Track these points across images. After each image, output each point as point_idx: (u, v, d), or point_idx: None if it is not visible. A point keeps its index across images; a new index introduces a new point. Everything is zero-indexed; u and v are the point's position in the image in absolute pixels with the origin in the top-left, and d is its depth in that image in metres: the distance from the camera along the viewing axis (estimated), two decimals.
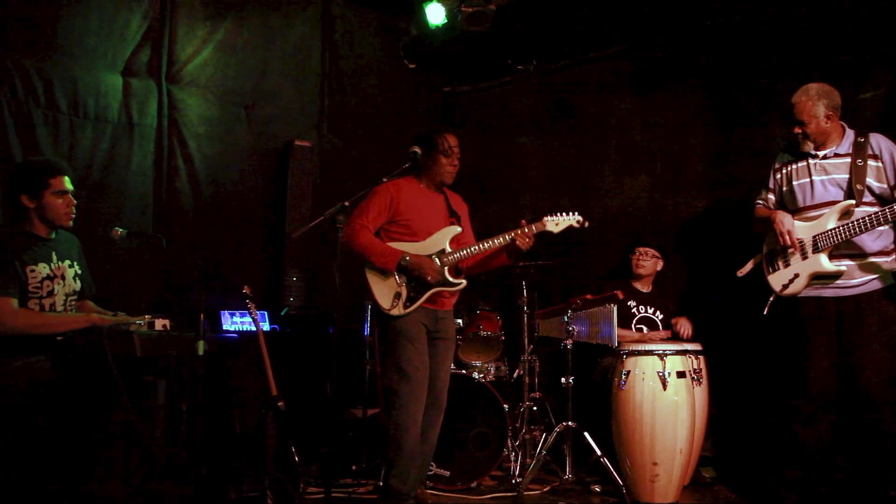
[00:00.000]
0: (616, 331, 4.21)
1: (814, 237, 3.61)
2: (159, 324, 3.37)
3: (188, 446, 3.44)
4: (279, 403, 3.67)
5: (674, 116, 5.36)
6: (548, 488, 4.38)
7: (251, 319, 3.81)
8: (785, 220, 3.70)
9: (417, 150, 3.80)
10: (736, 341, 4.69)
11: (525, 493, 4.18)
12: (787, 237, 3.66)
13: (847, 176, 3.60)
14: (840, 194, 3.62)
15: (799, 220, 3.71)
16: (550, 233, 3.79)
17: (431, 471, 4.27)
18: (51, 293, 3.37)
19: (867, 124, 3.88)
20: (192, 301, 3.53)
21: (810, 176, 3.70)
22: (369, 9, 5.96)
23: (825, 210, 3.62)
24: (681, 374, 4.07)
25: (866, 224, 3.43)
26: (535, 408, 4.76)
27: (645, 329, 4.84)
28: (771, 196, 3.89)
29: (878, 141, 3.61)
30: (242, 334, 4.35)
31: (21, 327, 3.20)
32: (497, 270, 4.14)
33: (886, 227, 3.50)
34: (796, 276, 3.66)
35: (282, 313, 4.93)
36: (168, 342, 3.33)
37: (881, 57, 4.43)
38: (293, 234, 5.01)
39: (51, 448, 3.09)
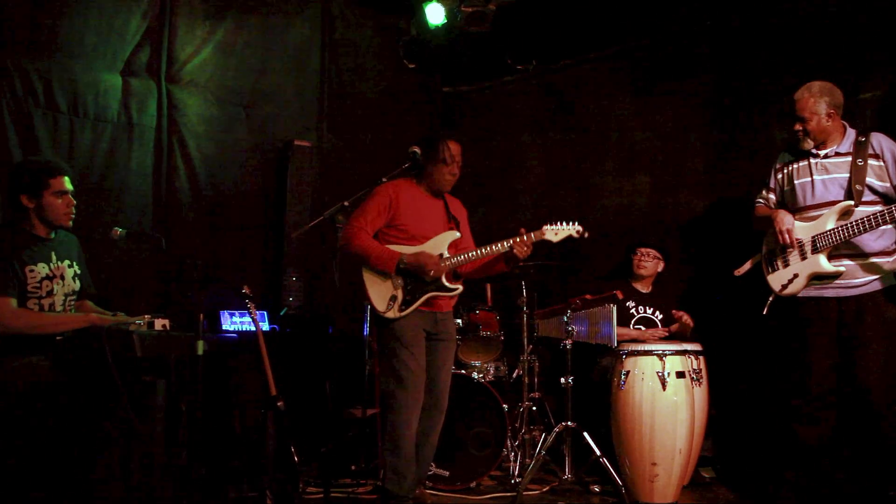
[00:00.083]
0: (615, 331, 4.21)
1: (813, 238, 3.61)
2: (159, 324, 3.37)
3: (188, 446, 3.44)
4: (278, 403, 3.66)
5: (674, 116, 5.36)
6: (547, 488, 4.39)
7: (251, 319, 3.81)
8: (785, 219, 3.69)
9: (417, 150, 3.79)
10: (736, 341, 4.69)
11: (524, 493, 4.18)
12: (787, 236, 3.66)
13: (847, 175, 3.60)
14: (841, 194, 3.62)
15: (799, 219, 3.71)
16: (549, 241, 3.79)
17: (431, 471, 4.27)
18: (50, 293, 3.37)
19: (867, 124, 3.87)
20: (191, 301, 3.53)
21: (811, 175, 3.70)
22: (369, 9, 5.96)
23: (826, 210, 3.62)
24: (680, 375, 4.07)
25: (865, 224, 3.42)
26: (534, 408, 4.76)
27: (644, 329, 4.84)
28: (772, 195, 3.89)
29: (879, 140, 3.60)
30: (242, 334, 4.35)
31: (20, 327, 3.20)
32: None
33: (888, 227, 3.49)
34: (795, 276, 3.66)
35: (281, 313, 4.93)
36: (167, 342, 3.32)
37: (880, 57, 4.43)
38: (293, 233, 5.01)
39: (50, 448, 3.09)
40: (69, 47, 4.46)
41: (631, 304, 4.90)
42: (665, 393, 4.01)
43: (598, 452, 4.12)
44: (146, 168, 4.76)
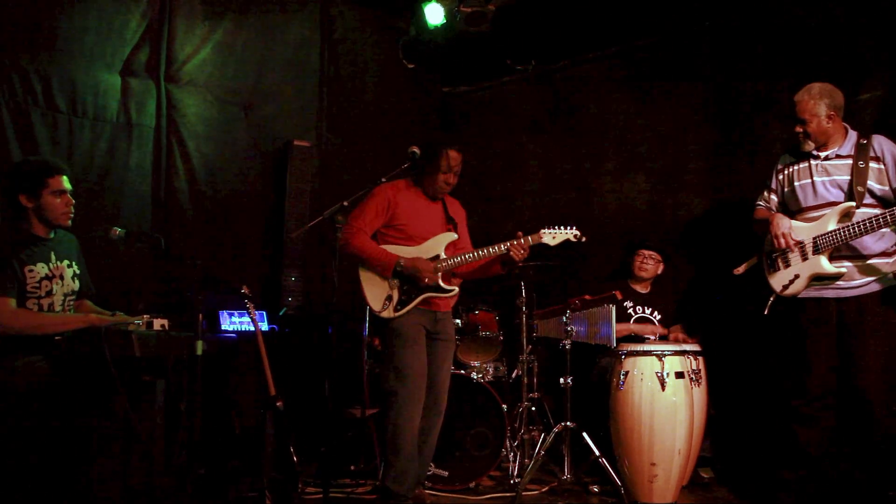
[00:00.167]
0: (615, 331, 4.21)
1: (814, 238, 3.61)
2: (158, 324, 3.37)
3: (187, 446, 3.44)
4: (278, 403, 3.67)
5: (673, 117, 5.36)
6: (546, 489, 4.38)
7: (250, 319, 3.82)
8: (781, 224, 3.69)
9: (416, 150, 3.80)
10: (735, 342, 4.69)
11: (523, 493, 4.18)
12: (782, 240, 3.66)
13: (848, 177, 3.60)
14: (841, 195, 3.62)
15: (800, 220, 3.71)
16: (547, 245, 3.80)
17: (430, 471, 4.26)
18: (49, 293, 3.37)
19: (865, 126, 3.88)
20: (190, 301, 3.52)
21: (812, 177, 3.70)
22: (368, 9, 5.95)
23: (826, 211, 3.62)
24: (679, 375, 4.07)
25: (867, 226, 3.42)
26: (533, 408, 4.76)
27: (643, 326, 4.85)
28: (773, 197, 3.89)
29: (880, 143, 3.60)
30: (241, 334, 4.35)
31: (19, 327, 3.19)
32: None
33: (887, 229, 3.49)
34: (796, 276, 3.66)
35: (280, 313, 4.93)
36: (167, 342, 3.32)
37: (879, 58, 4.43)
38: (292, 233, 5.01)
39: (50, 448, 3.09)
40: (68, 47, 4.45)
41: (629, 304, 4.91)
42: (664, 393, 4.01)
43: (597, 453, 4.12)
44: (145, 168, 4.75)
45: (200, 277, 3.66)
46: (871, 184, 3.56)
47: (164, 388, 3.43)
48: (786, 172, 3.82)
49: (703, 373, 4.28)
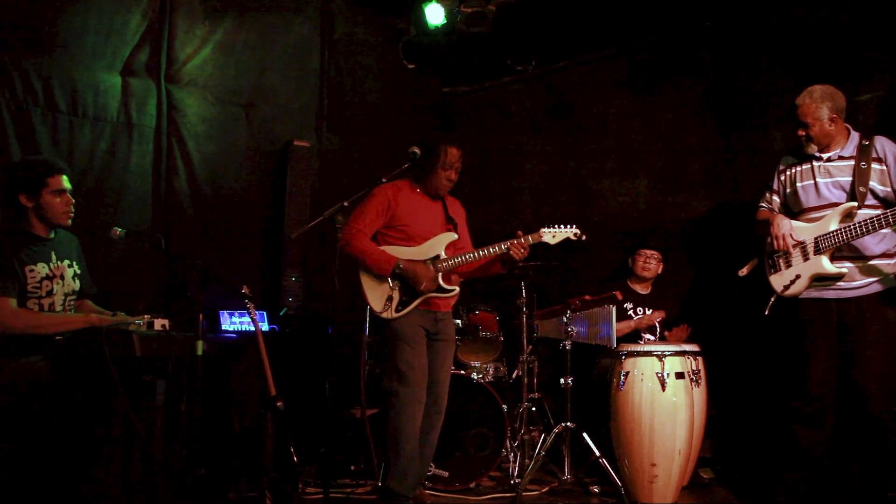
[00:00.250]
0: (615, 332, 4.21)
1: (815, 239, 3.61)
2: (158, 324, 3.37)
3: (187, 446, 3.44)
4: (278, 403, 3.67)
5: (673, 117, 5.37)
6: (546, 489, 4.38)
7: (250, 319, 3.81)
8: (782, 225, 3.70)
9: (416, 150, 3.80)
10: (735, 342, 4.69)
11: (523, 493, 4.18)
12: (781, 241, 3.67)
13: (850, 178, 3.60)
14: (843, 197, 3.62)
15: (801, 221, 3.71)
16: (547, 244, 3.80)
17: (430, 471, 4.26)
18: (50, 293, 3.37)
19: (864, 126, 3.88)
20: (190, 301, 3.52)
21: (814, 178, 3.70)
22: (369, 9, 5.95)
23: (828, 211, 3.62)
24: (679, 375, 4.07)
25: (868, 227, 3.42)
26: (533, 408, 4.76)
27: (642, 333, 4.85)
28: (775, 198, 3.89)
29: (882, 144, 3.60)
30: (241, 334, 4.35)
31: (20, 327, 3.19)
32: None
33: (889, 229, 3.49)
34: (798, 277, 3.65)
35: (280, 313, 4.92)
36: (167, 342, 3.32)
37: (879, 59, 4.43)
38: (292, 233, 5.00)
39: (50, 448, 3.09)
40: (69, 47, 4.45)
41: (629, 305, 4.91)
42: (664, 394, 4.01)
43: (597, 453, 4.12)
44: (145, 168, 4.75)
45: (200, 277, 3.66)
46: (874, 185, 3.56)
47: (165, 388, 3.43)
48: (788, 174, 3.82)
49: (703, 373, 4.28)
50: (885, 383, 3.52)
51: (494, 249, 3.77)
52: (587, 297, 4.41)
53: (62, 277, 3.43)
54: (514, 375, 4.94)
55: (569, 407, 4.29)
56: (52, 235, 3.45)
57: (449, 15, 5.53)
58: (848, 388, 3.59)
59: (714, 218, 5.11)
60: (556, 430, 4.25)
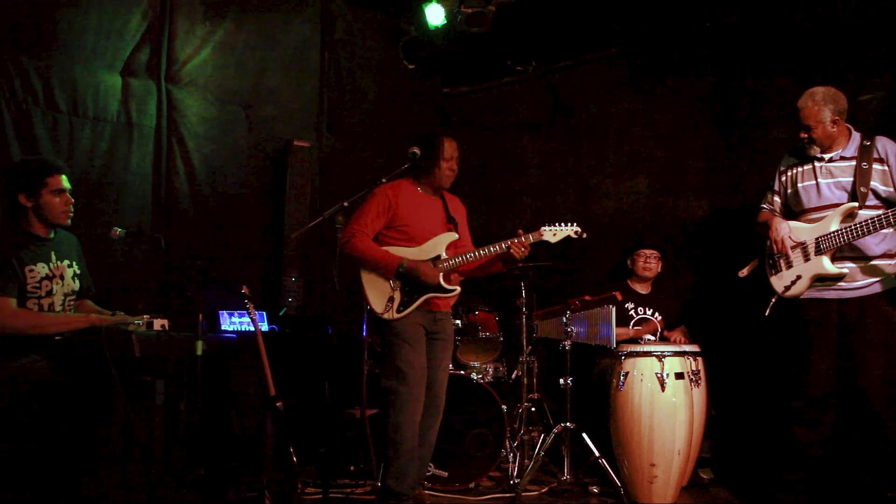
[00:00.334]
0: (615, 332, 4.21)
1: (816, 239, 3.60)
2: (158, 324, 3.37)
3: (187, 446, 3.44)
4: (277, 404, 3.67)
5: (673, 117, 5.37)
6: (546, 489, 4.38)
7: (250, 320, 3.82)
8: (780, 228, 3.70)
9: (416, 150, 3.80)
10: (735, 342, 4.69)
11: (523, 493, 4.18)
12: (779, 245, 3.67)
13: (852, 179, 3.59)
14: (845, 197, 3.61)
15: (803, 221, 3.71)
16: (547, 242, 3.80)
17: (430, 471, 4.26)
18: (49, 293, 3.37)
19: (865, 126, 3.88)
20: (190, 301, 3.52)
21: (816, 179, 3.69)
22: (369, 9, 5.96)
23: (829, 212, 3.61)
24: (679, 376, 4.07)
25: (869, 227, 3.42)
26: (533, 409, 4.76)
27: (642, 329, 4.85)
28: (776, 199, 3.89)
29: (884, 144, 3.60)
30: (241, 334, 4.35)
31: (20, 327, 3.19)
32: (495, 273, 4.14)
33: (890, 230, 3.48)
34: (798, 277, 3.65)
35: (280, 313, 4.93)
36: (167, 342, 3.33)
37: (880, 59, 4.43)
38: (292, 234, 5.00)
39: (49, 448, 3.09)
40: (69, 47, 4.45)
41: (630, 305, 4.91)
42: (664, 394, 4.01)
43: (596, 453, 4.12)
44: (146, 168, 4.75)
45: (200, 277, 3.66)
46: (875, 185, 3.56)
47: (164, 388, 3.43)
48: (789, 174, 3.82)
49: (702, 374, 4.28)
50: (886, 384, 3.51)
51: (495, 248, 3.77)
52: (587, 298, 4.41)
53: (62, 277, 3.43)
54: (513, 376, 4.94)
55: (568, 407, 4.29)
56: (52, 235, 3.45)
57: (449, 15, 5.54)
58: (848, 389, 3.58)
59: (714, 218, 5.11)
60: (555, 431, 4.25)
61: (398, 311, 3.74)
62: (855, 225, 3.47)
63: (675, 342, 4.69)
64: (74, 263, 3.52)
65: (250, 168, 5.23)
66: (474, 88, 6.44)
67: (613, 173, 5.63)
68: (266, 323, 4.61)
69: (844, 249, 3.57)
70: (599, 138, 5.71)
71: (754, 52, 4.94)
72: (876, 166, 3.57)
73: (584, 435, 4.18)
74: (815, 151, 3.69)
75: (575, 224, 3.81)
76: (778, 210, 3.88)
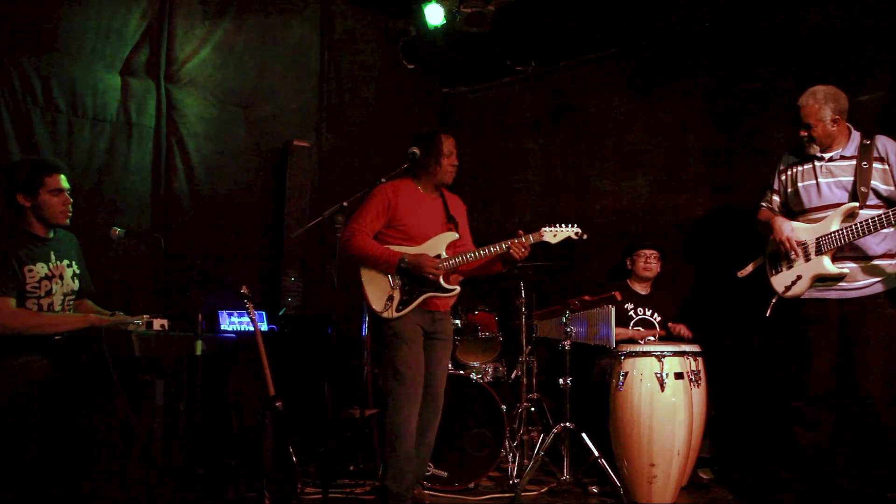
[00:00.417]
0: (614, 332, 4.21)
1: (817, 239, 3.60)
2: (157, 323, 3.37)
3: (186, 446, 3.44)
4: (277, 403, 3.67)
5: (673, 117, 5.37)
6: (545, 489, 4.38)
7: (249, 319, 3.82)
8: (784, 228, 3.69)
9: (416, 150, 3.80)
10: (735, 342, 4.69)
11: (522, 493, 4.18)
12: (787, 244, 3.66)
13: (852, 178, 3.60)
14: (845, 196, 3.61)
15: (803, 221, 3.71)
16: (548, 243, 3.80)
17: (429, 471, 4.27)
18: (49, 293, 3.36)
19: (865, 127, 3.88)
20: (190, 301, 3.53)
21: (816, 178, 3.69)
22: (368, 9, 5.96)
23: (830, 212, 3.61)
24: (678, 376, 4.07)
25: (870, 226, 3.41)
26: (532, 408, 4.76)
27: (642, 332, 4.85)
28: (776, 197, 3.89)
29: (884, 143, 3.60)
30: (240, 334, 4.35)
31: (19, 327, 3.19)
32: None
33: (891, 229, 3.48)
34: (799, 277, 3.65)
35: (280, 313, 4.93)
36: (166, 342, 3.32)
37: (879, 59, 4.43)
38: (292, 234, 5.00)
39: (49, 448, 3.09)
40: (68, 46, 4.44)
41: (630, 305, 4.90)
42: (663, 394, 4.01)
43: (596, 453, 4.12)
44: (145, 168, 4.74)
45: (200, 277, 3.66)
46: (876, 184, 3.56)
47: (164, 388, 3.43)
48: (789, 173, 3.82)
49: (702, 374, 4.28)
50: (887, 384, 3.51)
51: (495, 249, 3.77)
52: (586, 298, 4.41)
53: (61, 277, 3.43)
54: (513, 376, 4.95)
55: (568, 407, 4.29)
56: (52, 235, 3.45)
57: (449, 15, 5.54)
58: (849, 389, 3.58)
59: (714, 218, 5.11)
60: (555, 431, 4.26)
61: (397, 310, 3.73)
62: (855, 225, 3.47)
63: (678, 333, 4.69)
64: (74, 263, 3.52)
65: (250, 168, 5.22)
66: (474, 88, 6.44)
67: (613, 173, 5.63)
68: (265, 323, 4.61)
69: (845, 249, 3.57)
70: (599, 138, 5.71)
71: (754, 53, 4.94)
72: (876, 165, 3.57)
73: (584, 435, 4.18)
74: (815, 150, 3.69)
75: (575, 225, 3.81)
76: (777, 209, 3.88)
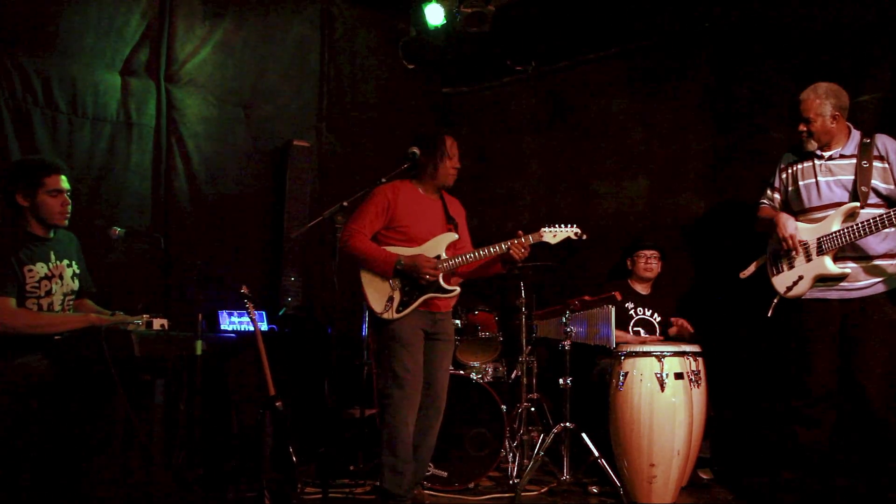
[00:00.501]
0: (614, 332, 4.21)
1: (818, 239, 3.59)
2: (157, 323, 3.37)
3: (186, 446, 3.45)
4: (277, 403, 3.67)
5: (672, 117, 5.37)
6: (545, 489, 4.38)
7: (249, 319, 3.82)
8: (787, 225, 3.68)
9: (416, 150, 3.80)
10: (735, 342, 4.69)
11: (522, 493, 4.17)
12: (791, 242, 3.65)
13: (852, 177, 3.59)
14: (846, 196, 3.61)
15: (804, 221, 3.70)
16: (547, 243, 3.80)
17: (429, 471, 4.26)
18: (49, 293, 3.37)
19: (865, 127, 3.88)
20: (190, 301, 3.53)
21: (816, 177, 3.69)
22: (369, 9, 5.96)
23: (831, 211, 3.60)
24: (678, 376, 4.06)
25: (871, 226, 3.41)
26: (532, 409, 4.76)
27: (642, 332, 4.85)
28: (777, 195, 3.88)
29: (884, 142, 3.60)
30: (240, 334, 4.35)
31: (19, 327, 3.19)
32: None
33: (892, 229, 3.48)
34: (800, 277, 3.64)
35: (280, 313, 4.93)
36: (166, 342, 3.32)
37: (880, 59, 4.43)
38: (292, 233, 5.01)
39: (49, 448, 3.09)
40: (68, 46, 4.45)
41: (630, 305, 4.90)
42: (663, 394, 4.00)
43: (596, 453, 4.12)
44: (145, 168, 4.75)
45: (200, 277, 3.66)
46: (876, 183, 3.55)
47: (164, 387, 3.43)
48: (789, 171, 3.81)
49: (702, 374, 4.28)
50: (888, 384, 3.51)
51: (495, 249, 3.76)
52: (586, 298, 4.41)
53: (61, 277, 3.43)
54: (513, 376, 4.95)
55: (568, 407, 4.29)
56: (52, 235, 3.45)
57: (449, 15, 5.54)
58: (850, 389, 3.58)
59: (714, 218, 5.10)
60: (555, 431, 4.25)
61: (397, 312, 3.72)
62: (857, 225, 3.47)
63: (681, 325, 4.69)
64: (74, 263, 3.52)
65: (250, 168, 5.23)
66: (474, 88, 6.44)
67: (613, 173, 5.63)
68: (265, 323, 4.62)
69: (846, 249, 3.56)
70: (599, 138, 5.70)
71: (754, 53, 4.94)
72: (876, 164, 3.57)
73: (584, 435, 4.18)
74: (812, 146, 3.69)
75: (575, 225, 3.81)
76: (778, 206, 3.87)
